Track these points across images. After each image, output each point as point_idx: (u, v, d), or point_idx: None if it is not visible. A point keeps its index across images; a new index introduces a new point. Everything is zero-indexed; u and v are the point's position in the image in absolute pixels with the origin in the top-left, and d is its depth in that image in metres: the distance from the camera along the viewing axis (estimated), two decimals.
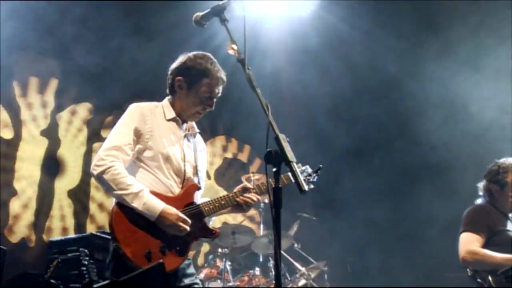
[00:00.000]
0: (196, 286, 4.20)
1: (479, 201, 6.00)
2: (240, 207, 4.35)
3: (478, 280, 5.53)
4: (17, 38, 8.76)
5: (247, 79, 3.43)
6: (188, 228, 4.04)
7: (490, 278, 5.40)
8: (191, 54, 4.40)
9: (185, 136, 4.38)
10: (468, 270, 5.64)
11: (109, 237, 4.09)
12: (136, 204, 3.94)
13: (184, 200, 4.19)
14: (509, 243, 5.52)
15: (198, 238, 4.28)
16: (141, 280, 1.73)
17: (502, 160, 5.88)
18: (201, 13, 3.78)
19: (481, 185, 5.94)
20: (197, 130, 4.51)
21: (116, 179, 3.97)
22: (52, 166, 9.21)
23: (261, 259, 8.68)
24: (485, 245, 5.55)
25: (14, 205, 8.75)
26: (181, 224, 4.00)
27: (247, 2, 3.73)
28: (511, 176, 5.76)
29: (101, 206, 9.44)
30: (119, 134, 4.14)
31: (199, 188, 4.33)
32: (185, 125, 4.42)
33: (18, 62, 9.08)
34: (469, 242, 5.57)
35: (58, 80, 9.48)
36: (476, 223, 5.66)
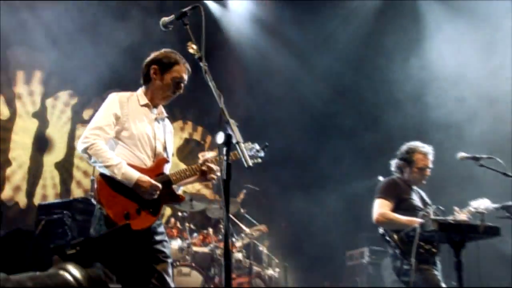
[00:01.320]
0: (165, 243, 4.25)
1: None
2: (203, 177, 4.40)
3: (387, 238, 5.65)
4: (14, 34, 8.61)
5: (203, 73, 3.49)
6: (157, 193, 4.12)
7: (395, 236, 5.51)
8: (162, 50, 4.45)
9: (156, 119, 4.41)
10: (379, 229, 5.74)
11: (88, 202, 4.19)
12: (116, 174, 4.01)
13: (155, 171, 4.25)
14: (412, 209, 5.66)
15: (167, 202, 4.37)
16: (111, 237, 1.66)
17: (411, 143, 6.01)
18: (167, 18, 3.82)
19: (393, 162, 6.05)
20: (166, 115, 4.55)
21: (98, 153, 4.02)
22: (41, 142, 9.10)
23: (213, 221, 8.70)
24: (394, 210, 5.67)
25: (9, 174, 8.68)
26: (152, 190, 4.08)
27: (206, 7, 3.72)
28: (417, 156, 5.89)
29: (85, 173, 9.34)
30: (101, 117, 4.19)
31: (167, 162, 4.38)
32: (155, 110, 4.44)
33: (16, 55, 8.93)
34: (381, 207, 5.70)
35: (47, 71, 9.35)
36: (387, 191, 5.79)
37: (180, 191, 4.59)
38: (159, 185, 4.14)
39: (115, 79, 8.86)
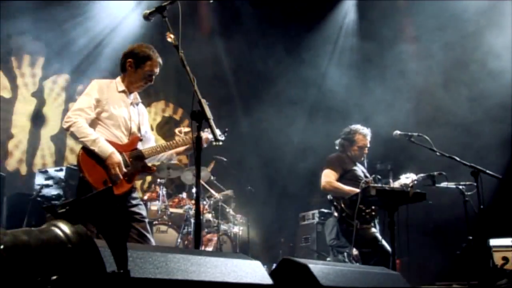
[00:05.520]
0: (140, 205, 4.29)
1: None
2: (183, 151, 4.49)
3: (334, 203, 5.74)
4: (16, 24, 8.45)
5: (179, 59, 3.51)
6: (119, 174, 4.09)
7: (341, 201, 5.61)
8: (138, 44, 4.44)
9: (131, 103, 4.42)
10: (328, 196, 5.83)
11: None
12: (93, 147, 4.02)
13: (130, 147, 4.29)
14: (355, 179, 5.80)
15: (140, 173, 4.36)
16: (95, 198, 1.66)
17: (353, 125, 6.12)
18: (148, 11, 3.77)
19: (337, 141, 6.13)
20: (140, 100, 4.56)
21: (79, 130, 4.04)
22: (38, 118, 8.99)
23: (187, 187, 8.70)
24: (340, 179, 5.74)
25: (11, 145, 8.57)
26: (117, 168, 4.07)
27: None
28: (357, 136, 6.00)
29: (72, 150, 9.19)
30: (83, 100, 4.21)
31: (141, 140, 4.40)
32: (131, 96, 4.45)
33: (16, 42, 8.77)
34: (328, 176, 5.78)
35: (44, 57, 9.19)
36: (334, 163, 5.88)
37: (174, 160, 4.78)
38: (124, 169, 4.13)
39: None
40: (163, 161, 4.97)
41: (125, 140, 4.28)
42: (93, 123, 4.19)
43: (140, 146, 4.38)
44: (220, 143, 4.56)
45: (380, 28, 9.59)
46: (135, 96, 4.48)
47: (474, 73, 8.54)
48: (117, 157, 4.10)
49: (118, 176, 4.09)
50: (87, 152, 4.08)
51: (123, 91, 4.35)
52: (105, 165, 4.06)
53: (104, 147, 4.05)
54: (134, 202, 4.23)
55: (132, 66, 4.31)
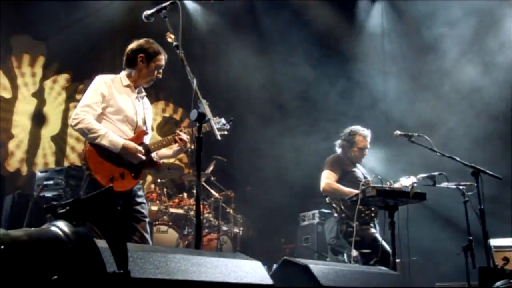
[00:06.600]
0: (144, 204, 4.30)
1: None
2: (179, 150, 4.44)
3: (333, 205, 5.73)
4: (15, 23, 8.51)
5: (179, 59, 3.52)
6: (143, 156, 4.18)
7: (341, 203, 5.60)
8: (144, 40, 4.43)
9: (137, 97, 4.41)
10: (327, 199, 5.81)
11: (80, 169, 4.24)
12: (104, 142, 4.03)
13: (136, 141, 4.25)
14: (355, 180, 5.73)
15: (147, 168, 4.41)
16: (95, 198, 1.66)
17: (353, 127, 6.11)
18: (149, 11, 3.78)
19: (337, 142, 6.13)
20: (144, 94, 4.55)
21: (88, 126, 4.04)
22: (39, 118, 8.97)
23: (187, 187, 8.69)
24: (339, 181, 5.73)
25: (12, 145, 8.58)
26: (138, 154, 4.14)
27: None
28: (357, 137, 6.01)
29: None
30: (89, 96, 4.19)
31: (146, 133, 4.40)
32: (136, 90, 4.43)
33: (16, 42, 8.79)
34: (328, 177, 5.77)
35: (44, 57, 9.20)
36: (333, 165, 5.86)
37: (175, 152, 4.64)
38: (142, 149, 4.20)
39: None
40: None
41: (130, 134, 4.26)
42: (99, 118, 4.18)
43: (146, 140, 4.38)
44: (225, 132, 4.58)
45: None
46: (140, 90, 4.48)
47: None
48: (131, 144, 4.14)
49: (141, 159, 4.17)
50: (95, 148, 4.08)
51: (128, 86, 4.36)
52: (114, 161, 4.09)
53: (114, 140, 4.07)
54: (138, 200, 4.25)
55: (144, 61, 4.32)
